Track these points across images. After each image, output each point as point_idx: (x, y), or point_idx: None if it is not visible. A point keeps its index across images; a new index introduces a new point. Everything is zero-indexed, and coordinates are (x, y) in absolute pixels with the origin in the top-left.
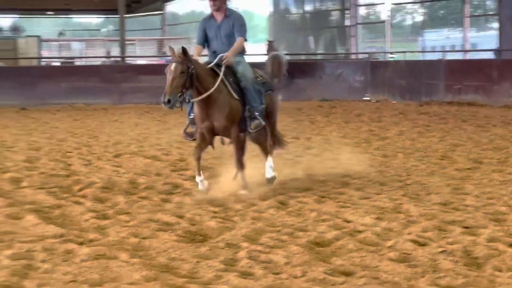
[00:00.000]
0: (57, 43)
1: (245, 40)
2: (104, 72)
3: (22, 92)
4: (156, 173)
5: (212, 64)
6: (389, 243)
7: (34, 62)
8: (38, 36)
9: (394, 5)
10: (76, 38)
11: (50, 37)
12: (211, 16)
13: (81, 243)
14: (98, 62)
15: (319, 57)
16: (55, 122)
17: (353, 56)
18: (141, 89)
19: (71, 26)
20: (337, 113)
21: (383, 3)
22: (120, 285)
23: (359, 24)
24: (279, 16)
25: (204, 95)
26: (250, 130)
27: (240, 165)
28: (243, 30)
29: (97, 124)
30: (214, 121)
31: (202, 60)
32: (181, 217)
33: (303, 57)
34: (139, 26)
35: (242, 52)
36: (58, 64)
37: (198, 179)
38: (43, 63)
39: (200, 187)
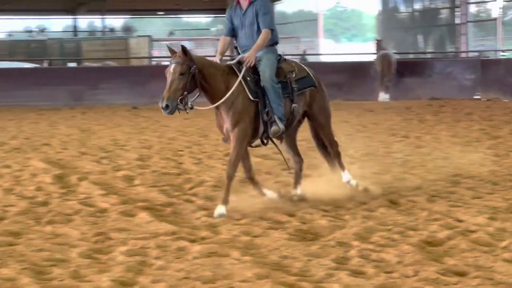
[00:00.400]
0: (167, 42)
1: (271, 30)
2: None
3: (134, 91)
4: (266, 172)
5: (232, 62)
6: (503, 244)
7: (145, 62)
8: (149, 36)
9: (506, 2)
10: (186, 38)
11: (161, 36)
12: (237, 3)
13: (193, 241)
14: None
15: (428, 55)
16: (166, 121)
17: (463, 55)
18: None
19: (181, 26)
20: (447, 112)
21: (495, 0)
22: (232, 282)
23: (470, 22)
24: (387, 15)
25: (216, 104)
26: (271, 136)
27: (229, 178)
28: (267, 19)
29: (207, 123)
30: (224, 125)
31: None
32: (292, 215)
33: (411, 56)
34: None
35: (273, 43)
36: (168, 63)
37: (269, 193)
38: (153, 63)
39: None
